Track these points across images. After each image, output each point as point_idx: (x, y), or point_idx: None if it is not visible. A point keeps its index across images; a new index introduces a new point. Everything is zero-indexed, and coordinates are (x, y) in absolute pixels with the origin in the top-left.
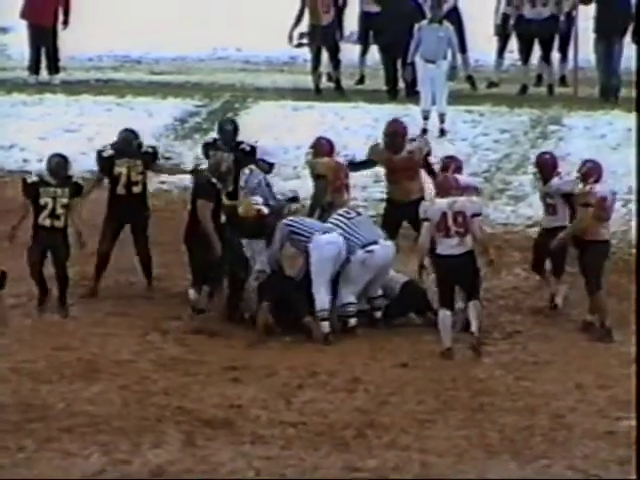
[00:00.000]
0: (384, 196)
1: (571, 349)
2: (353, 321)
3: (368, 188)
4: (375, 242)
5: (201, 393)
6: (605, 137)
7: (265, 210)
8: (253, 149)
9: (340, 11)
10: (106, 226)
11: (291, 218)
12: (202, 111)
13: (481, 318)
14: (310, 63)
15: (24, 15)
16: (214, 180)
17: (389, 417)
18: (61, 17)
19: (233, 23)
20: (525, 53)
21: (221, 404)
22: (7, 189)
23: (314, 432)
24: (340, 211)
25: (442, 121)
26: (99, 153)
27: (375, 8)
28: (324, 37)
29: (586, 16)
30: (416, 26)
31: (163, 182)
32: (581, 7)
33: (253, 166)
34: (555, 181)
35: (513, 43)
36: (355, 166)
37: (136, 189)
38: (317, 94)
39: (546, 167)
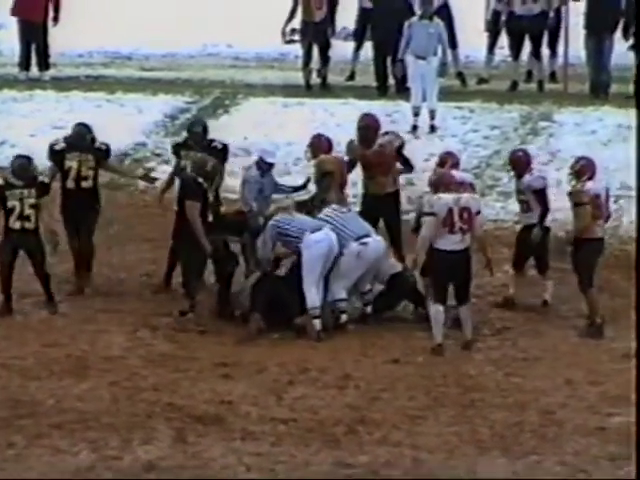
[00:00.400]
0: None
1: (561, 345)
2: (344, 317)
3: (358, 185)
4: (367, 235)
5: (191, 389)
6: (596, 133)
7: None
8: (225, 147)
9: (333, 8)
10: (64, 222)
11: (278, 218)
12: (192, 107)
13: (472, 321)
14: (301, 59)
15: (15, 12)
16: (200, 180)
17: (380, 413)
18: (51, 13)
19: (223, 20)
20: (515, 49)
21: (211, 400)
22: None
23: (305, 428)
24: (331, 207)
25: (432, 117)
26: (51, 146)
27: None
28: (316, 34)
29: (576, 12)
30: (406, 23)
31: (155, 179)
32: (571, 3)
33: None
34: (526, 178)
35: (503, 39)
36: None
37: (85, 184)
38: (307, 90)
39: (519, 164)
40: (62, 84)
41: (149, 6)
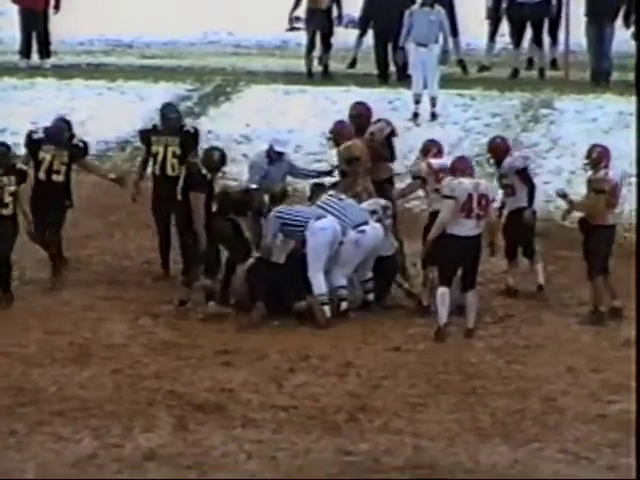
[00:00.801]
0: None
1: (563, 333)
2: (345, 304)
3: None
4: (365, 223)
5: (192, 377)
6: (596, 121)
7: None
8: (196, 131)
9: None
10: (31, 211)
11: (280, 209)
12: (193, 95)
13: (477, 308)
14: (304, 47)
15: (16, 0)
16: (205, 171)
17: (381, 401)
18: (52, 1)
19: (224, 7)
20: (516, 37)
21: (212, 388)
22: None
23: (306, 416)
24: (329, 193)
25: (434, 105)
26: (29, 134)
27: None
28: (321, 21)
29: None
30: (407, 10)
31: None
32: None
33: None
34: (507, 160)
35: (504, 27)
36: None
37: (56, 177)
38: (309, 78)
39: (498, 150)
40: (63, 72)
41: None
